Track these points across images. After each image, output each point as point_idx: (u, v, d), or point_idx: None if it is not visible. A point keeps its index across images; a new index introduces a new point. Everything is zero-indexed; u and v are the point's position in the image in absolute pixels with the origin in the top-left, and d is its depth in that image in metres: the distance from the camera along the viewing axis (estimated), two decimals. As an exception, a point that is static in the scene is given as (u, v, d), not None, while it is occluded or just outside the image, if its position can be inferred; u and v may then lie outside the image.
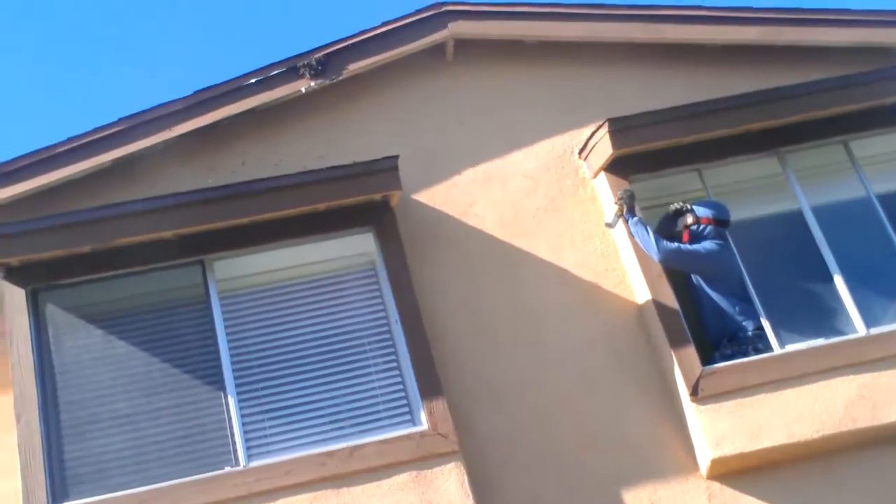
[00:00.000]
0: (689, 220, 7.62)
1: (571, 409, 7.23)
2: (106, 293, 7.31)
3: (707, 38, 8.60)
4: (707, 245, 7.50)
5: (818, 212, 7.82)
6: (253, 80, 8.00)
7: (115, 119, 7.77)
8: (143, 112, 7.82)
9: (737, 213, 7.93)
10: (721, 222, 7.62)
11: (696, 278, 7.54)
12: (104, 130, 7.76)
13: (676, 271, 7.60)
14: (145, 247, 7.25)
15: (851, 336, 7.31)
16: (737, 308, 7.40)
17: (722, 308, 7.40)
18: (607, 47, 8.58)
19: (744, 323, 7.37)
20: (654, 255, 7.33)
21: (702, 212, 7.62)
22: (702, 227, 7.58)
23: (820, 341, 7.31)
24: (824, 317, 7.49)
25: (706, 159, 7.93)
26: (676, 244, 7.44)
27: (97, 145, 7.73)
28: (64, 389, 7.02)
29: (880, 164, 8.29)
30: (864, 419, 6.97)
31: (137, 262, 7.28)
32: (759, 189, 8.11)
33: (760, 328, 7.36)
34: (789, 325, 7.52)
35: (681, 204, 7.69)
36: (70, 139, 7.70)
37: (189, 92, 7.91)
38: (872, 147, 8.21)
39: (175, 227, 7.25)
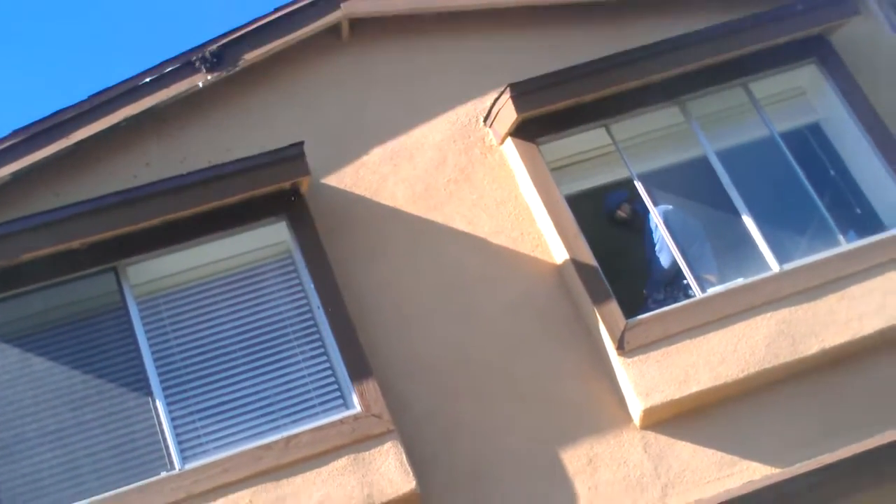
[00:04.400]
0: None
1: (502, 376, 7.26)
2: (19, 310, 7.17)
3: (601, -6, 8.63)
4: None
5: (723, 156, 7.93)
6: (148, 79, 7.85)
7: (8, 132, 7.61)
8: (38, 122, 7.64)
9: (646, 164, 8.07)
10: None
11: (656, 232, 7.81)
12: (-1, 144, 7.58)
13: (594, 228, 7.69)
14: (54, 259, 7.11)
15: (766, 274, 7.43)
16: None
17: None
18: (504, 13, 8.57)
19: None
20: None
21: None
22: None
23: (738, 282, 7.43)
24: (739, 258, 7.61)
25: (611, 114, 7.98)
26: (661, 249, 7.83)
27: (-7, 160, 7.56)
28: (-15, 413, 6.90)
29: (781, 103, 8.44)
30: (786, 354, 7.10)
31: (47, 275, 7.14)
32: (665, 139, 8.20)
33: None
34: (707, 270, 7.66)
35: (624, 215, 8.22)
36: (-38, 157, 7.51)
37: (83, 97, 7.77)
38: (772, 86, 8.33)
39: (82, 235, 7.12)
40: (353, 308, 7.30)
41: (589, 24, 8.63)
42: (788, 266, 7.44)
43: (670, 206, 7.90)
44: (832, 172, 8.20)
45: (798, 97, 8.50)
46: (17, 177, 7.58)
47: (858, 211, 8.05)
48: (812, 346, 7.12)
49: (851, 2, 8.18)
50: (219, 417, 7.02)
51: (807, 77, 8.39)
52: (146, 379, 6.99)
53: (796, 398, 7.13)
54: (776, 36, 8.13)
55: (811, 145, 8.33)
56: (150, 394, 6.96)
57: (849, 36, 8.26)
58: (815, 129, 8.40)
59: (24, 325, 7.17)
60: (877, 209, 7.98)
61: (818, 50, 8.25)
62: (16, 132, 7.60)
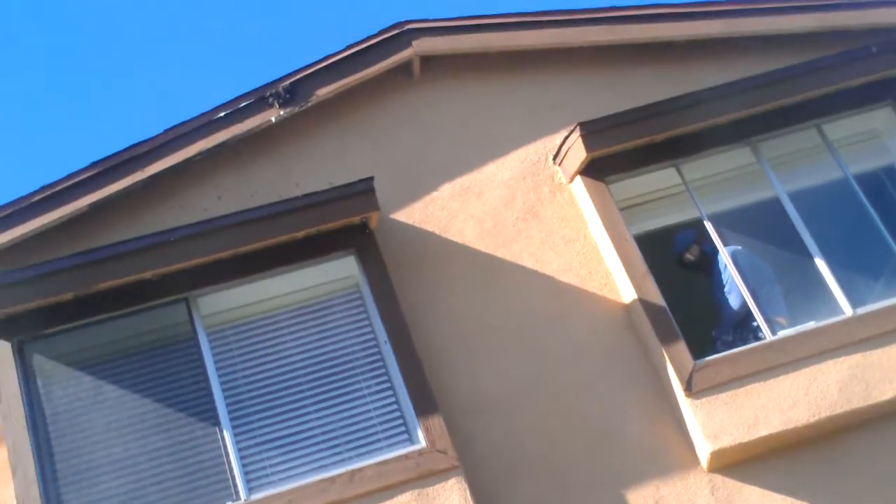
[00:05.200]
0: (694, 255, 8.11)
1: (568, 414, 7.23)
2: (92, 338, 7.28)
3: (672, 34, 8.63)
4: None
5: (795, 197, 7.86)
6: (222, 114, 7.99)
7: (87, 164, 7.76)
8: (114, 154, 7.81)
9: (717, 205, 8.03)
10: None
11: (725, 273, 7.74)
12: (77, 176, 7.73)
13: (663, 268, 7.64)
14: (128, 289, 7.23)
15: (839, 318, 7.33)
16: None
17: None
18: (573, 52, 8.60)
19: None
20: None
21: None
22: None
23: (809, 325, 7.34)
24: (811, 301, 7.52)
25: (681, 154, 7.96)
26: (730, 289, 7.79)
27: (71, 192, 7.70)
28: (58, 438, 6.98)
29: (855, 145, 8.35)
30: (858, 399, 6.98)
31: (121, 304, 7.26)
32: (736, 179, 8.15)
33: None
34: (777, 312, 7.58)
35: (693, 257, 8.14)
36: (43, 188, 7.67)
37: (159, 130, 7.91)
38: (845, 128, 8.25)
39: (156, 266, 7.23)
40: (420, 343, 7.32)
41: (657, 64, 8.63)
42: (861, 310, 7.34)
43: (740, 247, 7.84)
44: (907, 216, 8.10)
45: (873, 140, 8.41)
46: (94, 207, 7.73)
47: (933, 256, 7.93)
48: (886, 392, 7.00)
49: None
50: (285, 449, 7.05)
51: (882, 119, 8.30)
52: (214, 409, 7.05)
53: (868, 445, 7.01)
54: (850, 78, 8.06)
55: (886, 188, 8.23)
56: (217, 424, 7.01)
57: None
58: (891, 172, 8.31)
59: (98, 353, 7.28)
60: (951, 254, 7.86)
61: (893, 92, 8.15)
62: (95, 164, 7.77)
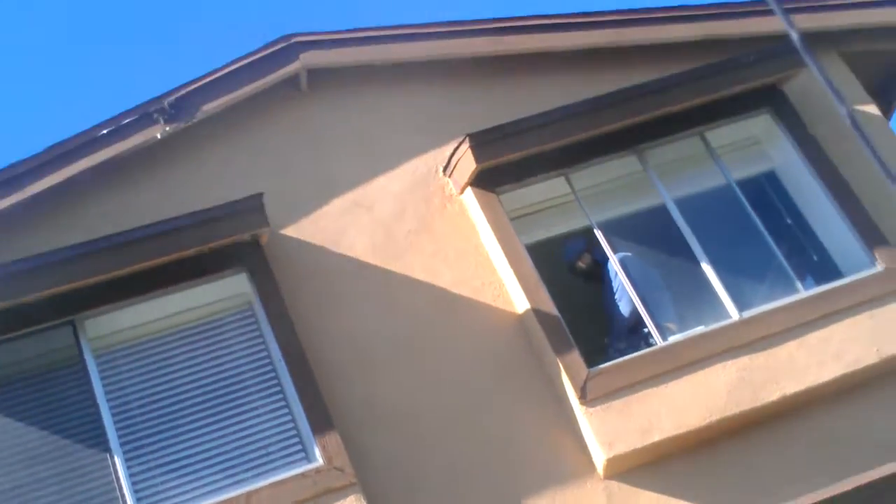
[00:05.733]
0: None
1: (465, 426, 7.23)
2: (-27, 366, 7.05)
3: (555, 45, 8.70)
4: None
5: (681, 204, 8.01)
6: (105, 131, 7.80)
7: (-37, 185, 7.51)
8: (-6, 174, 7.57)
9: (606, 213, 8.12)
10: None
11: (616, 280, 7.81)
12: (-48, 197, 7.47)
13: (554, 277, 7.71)
14: (10, 313, 7.00)
15: (726, 321, 7.48)
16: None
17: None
18: (459, 63, 8.62)
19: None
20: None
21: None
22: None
23: (698, 330, 7.47)
24: (699, 306, 7.66)
25: (570, 164, 8.04)
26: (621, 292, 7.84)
27: (-54, 213, 7.45)
28: (-64, 471, 6.75)
29: (737, 151, 8.54)
30: (747, 401, 7.13)
31: (3, 330, 7.03)
32: (624, 188, 8.26)
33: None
34: (667, 318, 7.70)
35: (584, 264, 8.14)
36: (-86, 212, 7.40)
37: (39, 149, 7.69)
38: (727, 136, 8.43)
39: (39, 289, 7.02)
40: (314, 360, 7.25)
41: (544, 75, 8.69)
42: (748, 313, 7.50)
43: (629, 254, 7.95)
44: (789, 220, 8.31)
45: (754, 146, 8.61)
46: (-28, 230, 7.49)
47: (816, 258, 8.14)
48: (773, 394, 7.16)
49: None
50: (179, 472, 6.93)
51: (761, 126, 8.50)
52: (104, 434, 6.88)
53: (758, 446, 7.16)
54: (730, 86, 8.24)
55: (768, 193, 8.43)
56: (108, 450, 6.85)
57: (802, 85, 8.37)
58: (772, 178, 8.51)
59: (-22, 382, 7.05)
60: (833, 256, 8.08)
61: (772, 100, 8.37)
62: (-29, 185, 7.51)
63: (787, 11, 8.48)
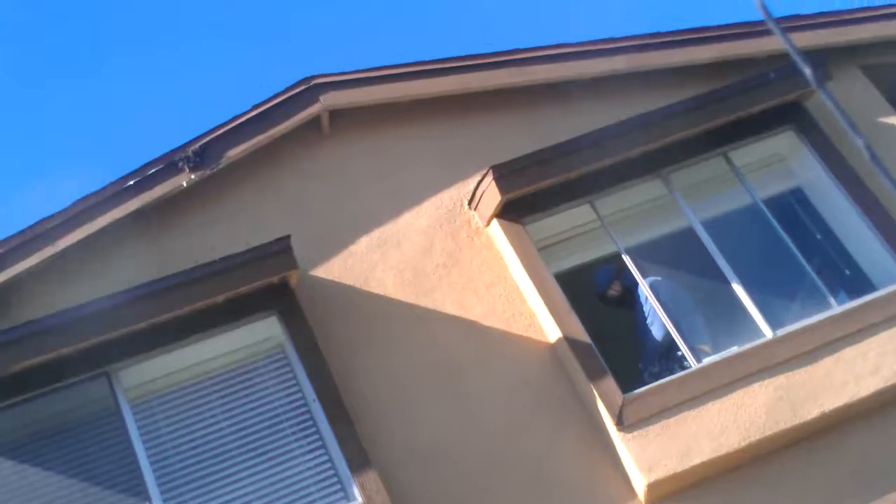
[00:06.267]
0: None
1: (502, 459, 7.20)
2: (11, 421, 7.08)
3: (576, 73, 8.72)
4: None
5: (708, 225, 7.98)
6: (132, 182, 7.88)
7: (-10, 244, 7.59)
8: (25, 230, 7.64)
9: (633, 238, 8.10)
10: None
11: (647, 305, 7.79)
12: (-18, 257, 7.55)
13: (585, 304, 7.69)
14: (45, 367, 7.06)
15: (760, 341, 7.42)
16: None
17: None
18: (481, 96, 8.65)
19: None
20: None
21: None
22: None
23: (732, 351, 7.42)
24: (732, 326, 7.61)
25: (594, 191, 8.03)
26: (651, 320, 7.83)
27: (-23, 273, 7.52)
28: (-20, 528, 6.78)
29: (762, 170, 8.50)
30: (786, 420, 7.07)
31: (40, 384, 7.08)
32: (650, 212, 8.24)
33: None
34: (700, 340, 7.65)
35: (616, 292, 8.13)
36: (-51, 272, 7.48)
37: (68, 203, 7.77)
38: (751, 155, 8.40)
39: (73, 342, 7.08)
40: (349, 398, 7.25)
41: (565, 103, 8.71)
42: (781, 332, 7.44)
43: (659, 278, 7.91)
44: (818, 235, 8.25)
45: (778, 163, 8.57)
46: (3, 287, 7.54)
47: (847, 272, 8.08)
48: (812, 411, 7.09)
49: (823, 69, 8.27)
50: (219, 519, 6.92)
51: (785, 143, 8.47)
52: (143, 483, 6.89)
53: (799, 463, 7.09)
54: (751, 105, 8.23)
55: (795, 210, 8.39)
56: (147, 499, 6.85)
57: (825, 100, 8.32)
58: (798, 194, 8.47)
59: (18, 436, 7.07)
60: (865, 269, 8.01)
61: (795, 116, 8.34)
62: (2, 242, 7.58)
63: (811, 27, 8.60)
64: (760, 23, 8.84)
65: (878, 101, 8.69)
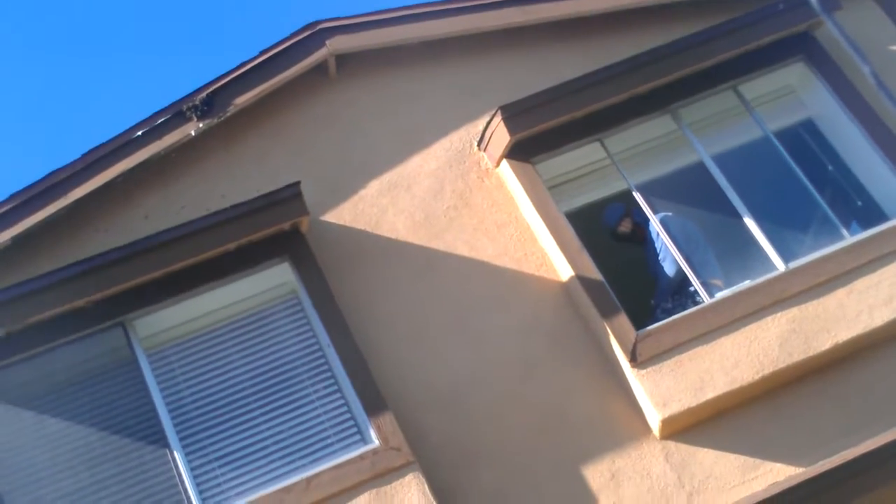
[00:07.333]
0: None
1: (518, 399, 7.24)
2: (30, 373, 7.15)
3: (584, 9, 8.63)
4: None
5: (719, 159, 7.95)
6: (140, 132, 7.88)
7: (5, 197, 7.62)
8: (34, 184, 7.66)
9: (643, 175, 8.08)
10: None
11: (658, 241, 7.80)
12: (-4, 209, 7.59)
13: (596, 242, 7.69)
14: (61, 319, 7.12)
15: (772, 274, 7.41)
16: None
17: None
18: (487, 36, 8.59)
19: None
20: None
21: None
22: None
23: (744, 285, 7.41)
24: (744, 260, 7.60)
25: (603, 128, 7.99)
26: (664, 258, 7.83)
27: (-9, 226, 7.57)
28: (2, 478, 6.84)
29: (772, 102, 8.45)
30: (799, 352, 7.07)
31: (56, 336, 7.14)
32: (660, 148, 8.21)
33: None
34: (713, 275, 7.65)
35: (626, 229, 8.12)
36: (-39, 226, 7.52)
37: (76, 155, 7.78)
38: (761, 87, 8.34)
39: (87, 294, 7.13)
40: (363, 342, 7.29)
41: (572, 40, 8.65)
42: (794, 264, 7.43)
43: (670, 214, 7.90)
44: (830, 167, 8.20)
45: (789, 95, 8.51)
46: (17, 241, 7.58)
47: (859, 203, 8.04)
48: (825, 343, 7.10)
49: (832, -1, 8.18)
50: (237, 464, 7.00)
51: (796, 75, 8.40)
52: (162, 431, 6.97)
53: (813, 396, 7.11)
54: (761, 37, 8.14)
55: (806, 142, 8.33)
56: (167, 445, 6.93)
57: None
58: (809, 126, 8.41)
59: (37, 388, 7.13)
60: (877, 200, 7.97)
61: (805, 47, 8.26)
62: (13, 196, 7.61)
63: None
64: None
65: (891, 31, 8.58)
